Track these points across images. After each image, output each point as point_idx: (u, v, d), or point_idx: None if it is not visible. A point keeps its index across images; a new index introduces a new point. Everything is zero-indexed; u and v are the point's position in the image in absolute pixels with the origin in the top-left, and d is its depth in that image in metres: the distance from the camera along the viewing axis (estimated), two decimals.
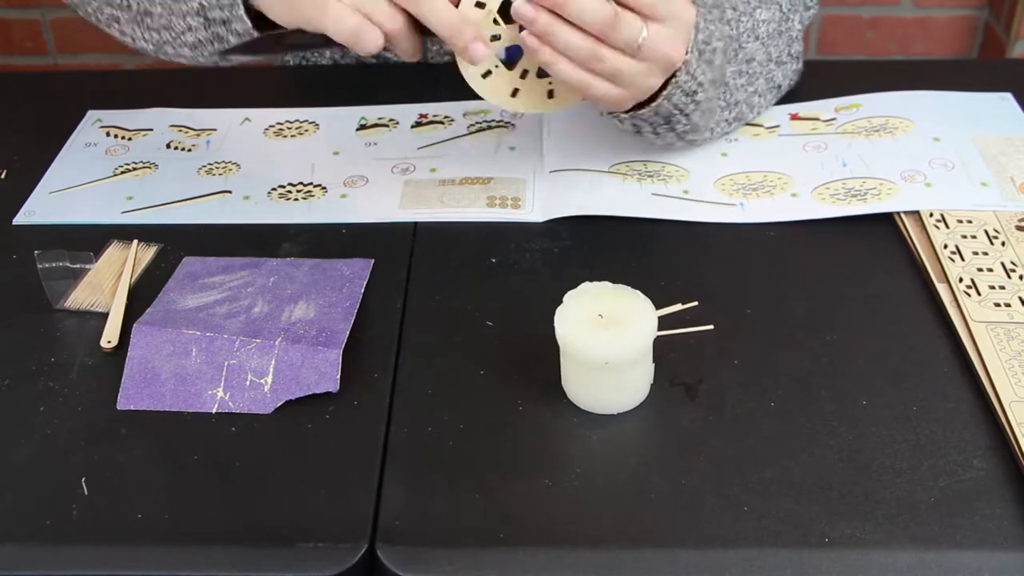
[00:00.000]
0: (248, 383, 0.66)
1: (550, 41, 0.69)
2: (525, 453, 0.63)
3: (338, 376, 0.66)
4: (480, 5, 0.72)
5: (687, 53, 0.73)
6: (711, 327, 0.69)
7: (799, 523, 0.58)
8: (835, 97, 0.94)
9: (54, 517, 0.59)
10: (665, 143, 0.82)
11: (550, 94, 0.76)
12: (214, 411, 0.65)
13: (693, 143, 0.84)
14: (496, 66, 0.75)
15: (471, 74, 0.75)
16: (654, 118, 0.78)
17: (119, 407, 0.66)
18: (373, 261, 0.76)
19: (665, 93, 0.75)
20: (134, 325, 0.69)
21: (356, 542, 0.57)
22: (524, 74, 0.76)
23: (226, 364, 0.67)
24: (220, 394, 0.66)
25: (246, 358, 0.67)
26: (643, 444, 0.64)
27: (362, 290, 0.73)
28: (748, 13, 0.79)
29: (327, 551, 0.57)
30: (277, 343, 0.67)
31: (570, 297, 0.65)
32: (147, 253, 0.78)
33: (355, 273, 0.75)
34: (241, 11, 0.76)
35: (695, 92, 0.76)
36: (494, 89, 0.75)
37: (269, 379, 0.66)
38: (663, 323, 0.65)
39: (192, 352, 0.67)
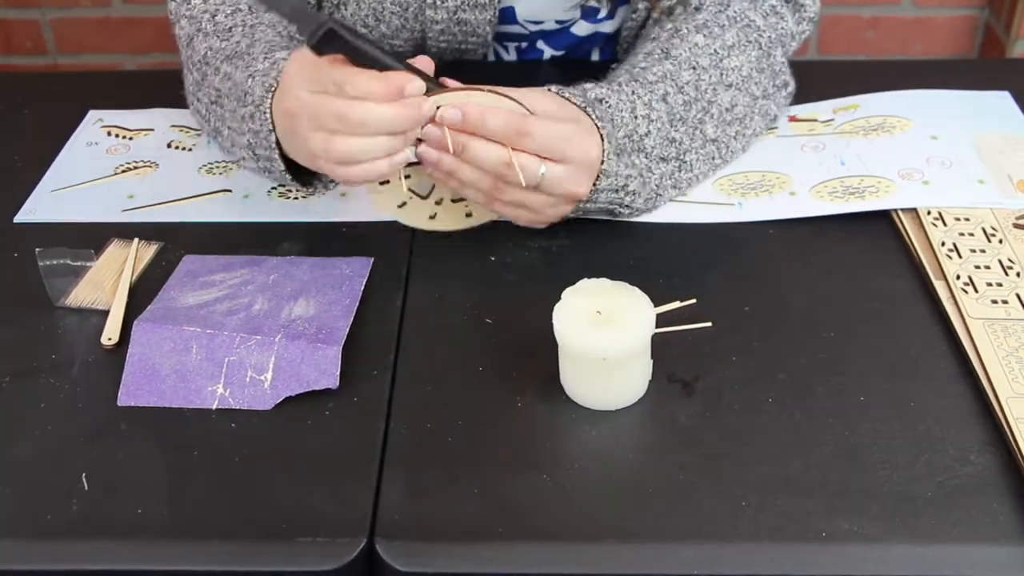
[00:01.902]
0: (248, 379, 0.66)
1: (456, 177, 0.73)
2: (524, 449, 0.63)
3: (338, 373, 0.66)
4: None
5: (603, 156, 0.74)
6: (709, 324, 0.70)
7: (796, 518, 0.58)
8: (834, 98, 0.94)
9: (55, 512, 0.60)
10: (636, 215, 0.82)
11: (468, 213, 0.79)
12: (214, 407, 0.66)
13: (655, 208, 0.81)
14: (410, 198, 0.79)
15: (387, 207, 0.79)
16: (595, 215, 0.79)
17: (120, 403, 0.66)
18: (373, 259, 0.77)
19: (590, 198, 0.76)
20: (134, 322, 0.69)
21: (355, 537, 0.58)
22: (440, 200, 0.80)
23: (226, 361, 0.67)
24: (220, 390, 0.66)
25: (246, 355, 0.67)
26: (641, 440, 0.64)
27: (362, 288, 0.73)
28: (714, 66, 0.80)
29: (327, 546, 0.57)
30: (277, 340, 0.67)
31: (568, 294, 0.65)
32: (148, 251, 0.78)
33: (355, 271, 0.75)
34: (278, 161, 0.77)
35: (624, 186, 0.76)
36: (411, 215, 0.78)
37: (269, 375, 0.66)
38: (661, 320, 0.65)
39: (192, 349, 0.67)
